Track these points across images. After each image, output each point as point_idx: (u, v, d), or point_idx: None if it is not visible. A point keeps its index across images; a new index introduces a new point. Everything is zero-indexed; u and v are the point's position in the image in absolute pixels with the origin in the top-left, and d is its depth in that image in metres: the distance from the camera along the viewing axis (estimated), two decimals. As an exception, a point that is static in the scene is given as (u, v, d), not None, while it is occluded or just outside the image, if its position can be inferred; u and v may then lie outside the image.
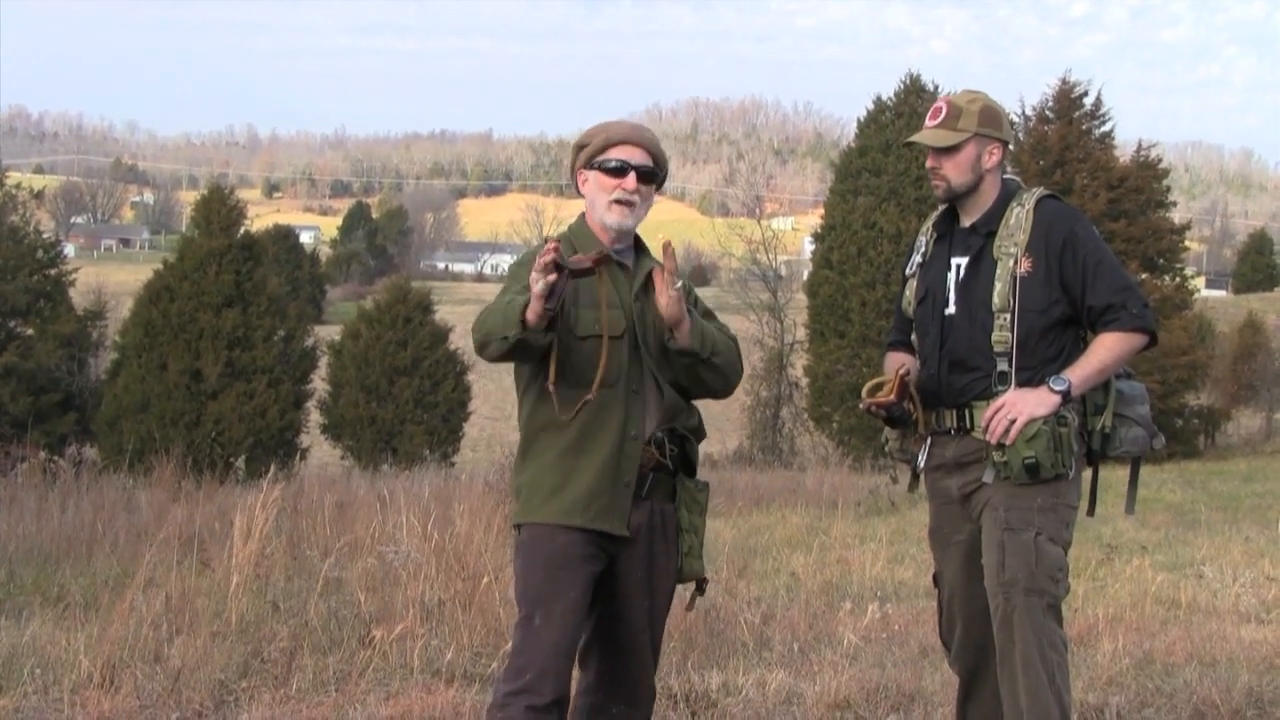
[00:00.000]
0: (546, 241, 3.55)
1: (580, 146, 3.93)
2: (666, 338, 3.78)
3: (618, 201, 3.83)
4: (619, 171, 3.83)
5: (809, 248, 46.66)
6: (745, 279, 41.14)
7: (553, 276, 3.40)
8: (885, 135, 35.76)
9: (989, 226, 4.24)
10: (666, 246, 3.73)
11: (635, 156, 3.85)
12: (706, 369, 3.83)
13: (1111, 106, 33.74)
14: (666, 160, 3.97)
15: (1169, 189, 34.71)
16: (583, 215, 3.99)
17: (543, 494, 3.76)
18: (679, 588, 4.02)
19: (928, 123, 4.29)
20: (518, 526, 3.84)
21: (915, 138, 4.29)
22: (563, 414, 3.67)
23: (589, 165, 3.90)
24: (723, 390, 3.94)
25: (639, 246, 3.98)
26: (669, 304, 3.70)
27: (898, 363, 4.34)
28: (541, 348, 3.60)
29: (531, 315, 3.46)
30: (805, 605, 7.94)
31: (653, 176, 3.89)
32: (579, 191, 3.98)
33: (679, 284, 3.70)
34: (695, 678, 5.88)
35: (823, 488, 18.88)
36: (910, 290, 4.46)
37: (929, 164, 4.29)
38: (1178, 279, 33.76)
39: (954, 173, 4.25)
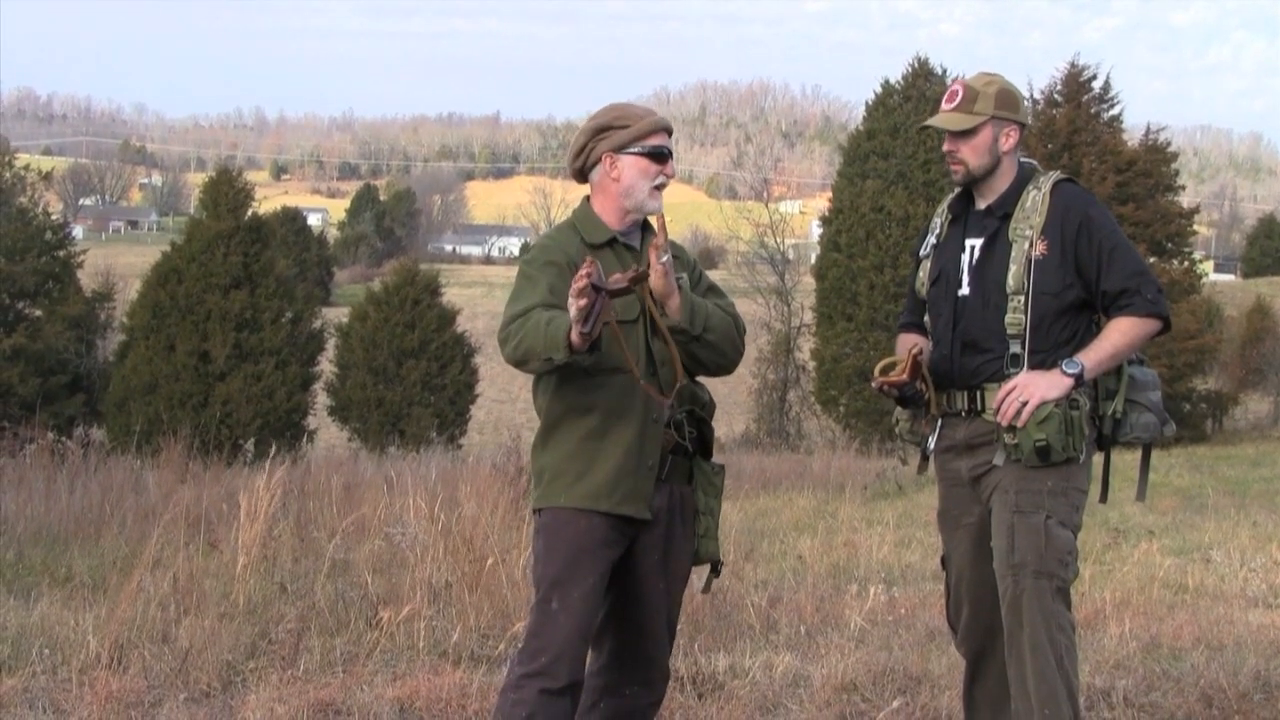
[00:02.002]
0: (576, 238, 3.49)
1: (604, 129, 3.86)
2: (659, 314, 3.74)
3: (658, 187, 3.85)
4: (664, 158, 3.85)
5: (816, 231, 46.53)
6: (753, 262, 41.15)
7: (584, 301, 3.33)
8: (893, 119, 35.69)
9: (1005, 209, 4.22)
10: (659, 218, 3.73)
11: (669, 143, 3.89)
12: (700, 346, 3.79)
13: (1120, 90, 33.50)
14: None
15: (1177, 173, 34.55)
16: (586, 200, 3.96)
17: (567, 479, 3.74)
18: (695, 576, 4.02)
19: (944, 106, 4.27)
20: (538, 510, 3.83)
21: (932, 121, 4.27)
22: (660, 402, 3.69)
23: (622, 149, 3.84)
24: (720, 368, 3.88)
25: (644, 226, 3.96)
26: (655, 277, 3.66)
27: (910, 343, 4.30)
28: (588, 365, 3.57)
29: (576, 339, 3.41)
30: (812, 588, 7.94)
31: None
32: (584, 176, 3.94)
33: (665, 257, 3.65)
34: (702, 660, 5.89)
35: (829, 471, 18.92)
36: (924, 271, 4.44)
37: (946, 147, 4.26)
38: (1186, 263, 33.63)
39: (971, 156, 4.22)
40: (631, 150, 3.84)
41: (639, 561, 3.81)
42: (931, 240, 4.44)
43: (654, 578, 3.83)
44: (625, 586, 3.83)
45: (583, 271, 3.34)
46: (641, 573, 3.82)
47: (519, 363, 3.63)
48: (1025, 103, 4.37)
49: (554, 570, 3.71)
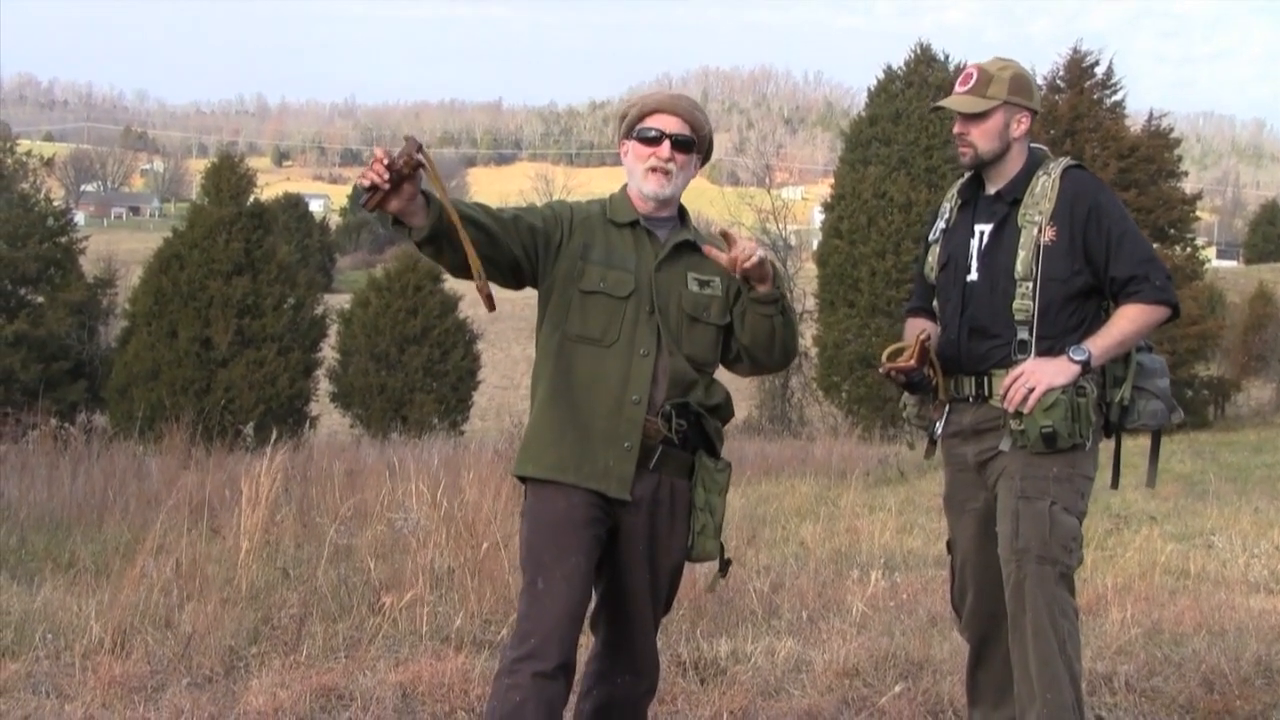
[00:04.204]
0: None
1: (622, 116, 3.93)
2: (747, 289, 3.76)
3: (653, 169, 3.82)
4: (654, 140, 3.82)
5: (818, 217, 46.47)
6: (755, 248, 41.00)
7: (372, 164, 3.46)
8: (895, 105, 35.56)
9: (1014, 194, 4.22)
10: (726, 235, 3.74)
11: (671, 125, 3.83)
12: (783, 320, 3.81)
13: (1123, 76, 33.43)
14: (708, 130, 3.91)
15: (1180, 159, 34.47)
16: (625, 185, 3.98)
17: (538, 445, 3.76)
18: (702, 567, 4.00)
19: (958, 89, 4.26)
20: (522, 480, 3.83)
21: (944, 103, 4.26)
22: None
23: (629, 135, 3.89)
24: (793, 347, 3.92)
25: (683, 219, 3.96)
26: (749, 259, 3.64)
27: (918, 328, 4.30)
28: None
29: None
30: (814, 574, 7.95)
31: (689, 145, 3.85)
32: (623, 162, 3.98)
33: (759, 253, 3.65)
34: (704, 645, 5.89)
35: (831, 457, 18.88)
36: (933, 256, 4.44)
37: (956, 130, 4.26)
38: (1188, 249, 33.58)
39: (982, 140, 4.22)
40: (631, 135, 3.88)
41: (624, 550, 3.80)
42: (941, 225, 4.44)
43: (639, 569, 3.81)
44: (611, 575, 3.83)
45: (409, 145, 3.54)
46: (626, 562, 3.81)
47: None
48: (1038, 89, 4.36)
49: (538, 551, 3.71)
